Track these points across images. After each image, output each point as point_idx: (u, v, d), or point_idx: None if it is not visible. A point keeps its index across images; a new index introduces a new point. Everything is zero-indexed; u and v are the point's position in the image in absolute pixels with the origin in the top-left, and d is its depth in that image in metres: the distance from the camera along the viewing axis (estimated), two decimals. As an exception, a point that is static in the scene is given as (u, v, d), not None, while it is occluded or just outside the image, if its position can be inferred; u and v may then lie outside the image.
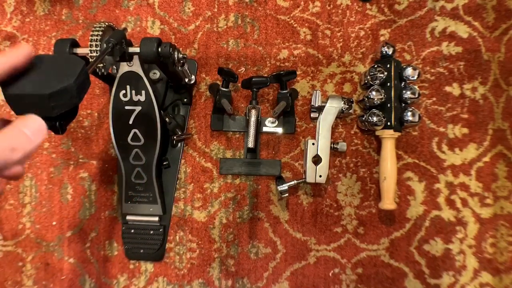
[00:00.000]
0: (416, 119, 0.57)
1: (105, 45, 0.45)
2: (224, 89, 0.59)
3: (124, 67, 0.53)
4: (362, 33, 0.64)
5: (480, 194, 0.61)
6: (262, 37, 0.64)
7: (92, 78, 0.62)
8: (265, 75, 0.63)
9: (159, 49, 0.49)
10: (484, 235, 0.60)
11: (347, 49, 0.64)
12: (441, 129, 0.62)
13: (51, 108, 0.30)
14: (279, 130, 0.60)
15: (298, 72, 0.63)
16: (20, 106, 0.30)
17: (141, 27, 0.63)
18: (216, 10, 0.65)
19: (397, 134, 0.58)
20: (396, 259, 0.60)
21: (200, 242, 0.60)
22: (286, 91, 0.59)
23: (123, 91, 0.54)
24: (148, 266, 0.60)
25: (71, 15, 0.63)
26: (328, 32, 0.64)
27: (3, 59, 0.28)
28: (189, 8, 0.65)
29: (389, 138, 0.58)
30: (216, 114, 0.62)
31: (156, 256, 0.59)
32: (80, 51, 0.48)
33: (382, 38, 0.64)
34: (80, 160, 0.62)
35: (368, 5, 0.65)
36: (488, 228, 0.60)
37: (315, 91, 0.60)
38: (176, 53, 0.51)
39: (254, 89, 0.58)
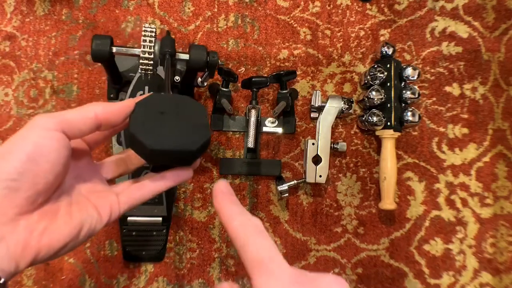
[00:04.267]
0: (416, 119, 0.57)
1: (160, 55, 0.45)
2: (224, 89, 0.59)
3: None
4: (362, 33, 0.64)
5: (480, 194, 0.61)
6: (262, 37, 0.64)
7: (92, 78, 0.62)
8: (265, 75, 0.63)
9: (208, 58, 0.49)
10: (484, 235, 0.60)
11: (347, 49, 0.64)
12: (441, 129, 0.62)
13: (188, 161, 0.30)
14: (279, 130, 0.60)
15: (298, 72, 0.63)
16: (159, 159, 0.30)
17: (141, 27, 0.63)
18: (216, 10, 0.65)
19: (397, 134, 0.58)
20: (396, 259, 0.60)
21: (200, 242, 0.60)
22: (286, 91, 0.59)
23: (140, 92, 0.53)
24: (148, 266, 0.60)
25: (71, 15, 0.63)
26: (328, 32, 0.64)
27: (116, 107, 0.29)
28: (189, 8, 0.65)
29: (389, 138, 0.58)
30: (216, 114, 0.62)
31: (157, 257, 0.59)
32: (117, 49, 0.47)
33: (382, 38, 0.64)
34: (80, 160, 0.62)
35: (368, 5, 0.65)
36: (488, 228, 0.60)
37: (315, 91, 0.60)
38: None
39: (254, 89, 0.58)
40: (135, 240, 0.59)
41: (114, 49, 0.47)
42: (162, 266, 0.60)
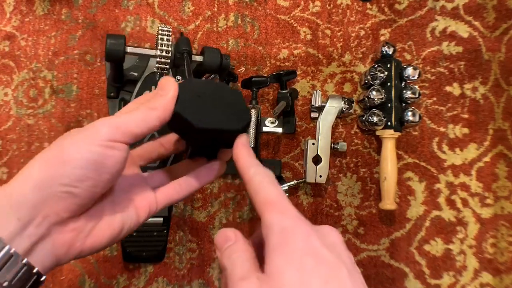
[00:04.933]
0: (417, 119, 0.57)
1: (177, 54, 0.45)
2: (224, 89, 0.59)
3: (152, 68, 0.52)
4: (362, 32, 0.64)
5: (480, 194, 0.61)
6: (262, 37, 0.64)
7: (92, 78, 0.62)
8: (265, 75, 0.63)
9: (222, 60, 0.49)
10: (485, 235, 0.60)
11: (347, 49, 0.64)
12: (442, 129, 0.62)
13: (232, 142, 0.30)
14: (279, 130, 0.60)
15: (298, 72, 0.63)
16: (204, 139, 0.30)
17: (141, 26, 0.63)
18: (216, 9, 0.64)
19: (397, 134, 0.58)
20: (396, 259, 0.60)
21: (200, 242, 0.60)
22: (286, 91, 0.59)
23: (147, 92, 0.53)
24: (147, 267, 0.60)
25: (70, 14, 0.63)
26: (328, 31, 0.64)
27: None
28: (189, 8, 0.64)
29: (389, 138, 0.58)
30: (216, 114, 0.62)
31: (157, 258, 0.59)
32: (131, 49, 0.47)
33: (382, 38, 0.64)
34: (80, 160, 0.62)
35: (368, 5, 0.65)
36: (488, 228, 0.60)
37: (315, 91, 0.60)
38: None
39: (254, 89, 0.58)
40: (135, 241, 0.59)
41: (128, 49, 0.47)
42: (161, 266, 0.60)
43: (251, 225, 0.61)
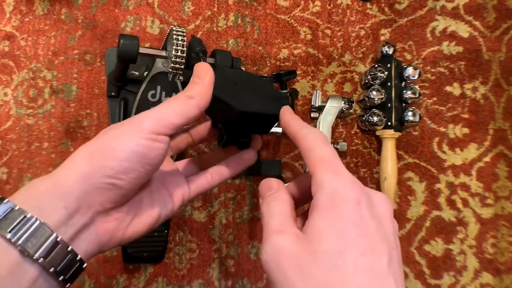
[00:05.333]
0: (417, 119, 0.57)
1: (193, 54, 0.45)
2: (224, 89, 0.59)
3: (158, 68, 0.52)
4: (362, 32, 0.64)
5: (480, 194, 0.61)
6: (262, 37, 0.64)
7: (92, 77, 0.62)
8: (265, 75, 0.63)
9: (233, 63, 0.49)
10: (485, 235, 0.60)
11: (347, 49, 0.64)
12: (442, 129, 0.62)
13: (269, 127, 0.30)
14: (279, 130, 0.60)
15: (298, 72, 0.63)
16: (244, 123, 0.29)
17: (141, 26, 0.63)
18: (216, 9, 0.64)
19: (397, 134, 0.57)
20: (396, 259, 0.60)
21: (200, 242, 0.60)
22: (286, 91, 0.59)
23: (152, 92, 0.53)
24: (147, 267, 0.59)
25: (70, 14, 0.63)
26: (328, 31, 0.64)
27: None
28: (188, 8, 0.64)
29: (389, 138, 0.58)
30: (216, 114, 0.62)
31: (157, 258, 0.59)
32: (144, 50, 0.47)
33: (382, 38, 0.64)
34: (80, 160, 0.62)
35: (368, 5, 0.65)
36: (488, 229, 0.60)
37: (315, 91, 0.60)
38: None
39: (254, 89, 0.58)
40: (136, 241, 0.58)
41: (141, 50, 0.48)
42: (161, 267, 0.59)
43: (251, 225, 0.61)
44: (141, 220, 0.29)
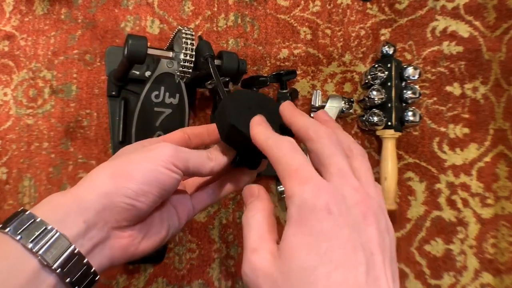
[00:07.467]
0: (417, 119, 0.57)
1: (202, 59, 0.45)
2: (224, 89, 0.59)
3: (163, 68, 0.52)
4: (362, 32, 0.64)
5: (481, 194, 0.61)
6: (262, 37, 0.64)
7: (92, 77, 0.62)
8: (265, 75, 0.63)
9: (239, 65, 0.49)
10: (485, 235, 0.60)
11: (347, 49, 0.64)
12: (442, 129, 0.62)
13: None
14: (279, 130, 0.59)
15: (298, 72, 0.63)
16: (257, 150, 0.30)
17: (140, 26, 0.63)
18: (216, 9, 0.64)
19: (397, 134, 0.57)
20: (396, 259, 0.60)
21: (199, 242, 0.60)
22: (286, 90, 0.59)
23: (156, 92, 0.53)
24: (147, 267, 0.59)
25: (70, 14, 0.63)
26: (328, 31, 0.64)
27: None
28: (188, 8, 0.64)
29: (389, 138, 0.58)
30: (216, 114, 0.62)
31: (157, 258, 0.59)
32: (152, 51, 0.47)
33: (382, 38, 0.64)
34: (79, 160, 0.62)
35: (368, 5, 0.65)
36: (489, 229, 0.60)
37: (315, 91, 0.60)
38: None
39: (254, 89, 0.58)
40: None
41: (150, 51, 0.47)
42: (161, 267, 0.59)
43: (251, 225, 0.61)
44: (152, 237, 0.30)
